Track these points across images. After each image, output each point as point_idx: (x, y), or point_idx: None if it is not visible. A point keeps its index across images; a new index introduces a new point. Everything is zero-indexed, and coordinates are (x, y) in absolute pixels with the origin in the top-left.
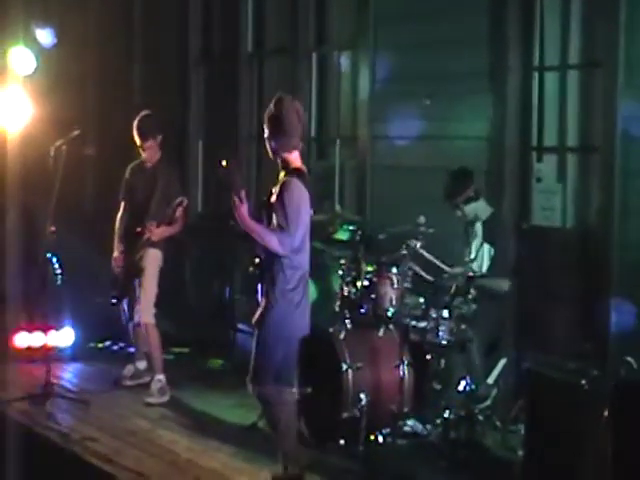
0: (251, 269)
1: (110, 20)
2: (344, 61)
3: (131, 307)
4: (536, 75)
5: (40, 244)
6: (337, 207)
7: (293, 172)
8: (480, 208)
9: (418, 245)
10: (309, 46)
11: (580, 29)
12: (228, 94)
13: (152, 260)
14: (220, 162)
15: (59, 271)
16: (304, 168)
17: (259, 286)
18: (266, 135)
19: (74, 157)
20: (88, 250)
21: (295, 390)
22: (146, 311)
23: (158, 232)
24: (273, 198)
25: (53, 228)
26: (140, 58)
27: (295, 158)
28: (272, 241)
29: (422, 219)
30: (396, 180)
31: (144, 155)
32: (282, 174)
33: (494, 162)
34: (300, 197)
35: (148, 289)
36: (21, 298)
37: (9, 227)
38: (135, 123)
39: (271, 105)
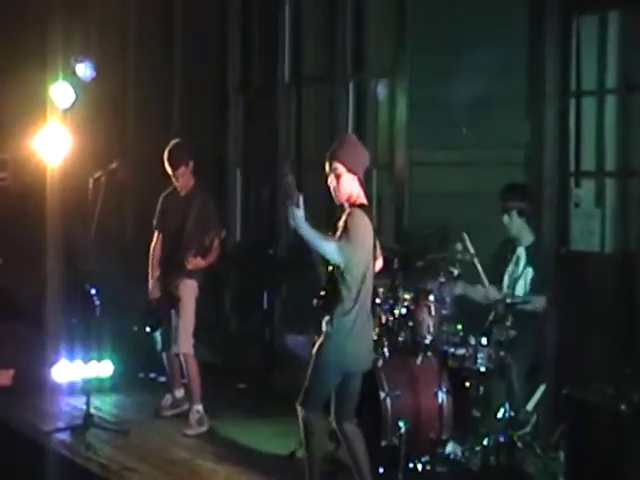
0: (315, 301)
1: (149, 52)
2: (381, 88)
3: (166, 337)
4: (573, 100)
5: (80, 275)
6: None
7: (359, 206)
8: (525, 230)
9: (455, 272)
10: (346, 74)
11: (617, 53)
12: (266, 123)
13: (188, 290)
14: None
15: (98, 302)
16: (366, 202)
17: (321, 317)
18: (333, 186)
19: (113, 188)
20: (128, 281)
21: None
22: (184, 341)
23: (194, 262)
24: (338, 230)
25: (92, 259)
26: (179, 89)
27: (360, 196)
28: (329, 247)
29: (459, 246)
30: (434, 207)
31: (177, 183)
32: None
33: (532, 187)
34: (365, 228)
35: (186, 319)
36: (61, 329)
37: (50, 259)
38: (166, 152)
39: (331, 153)
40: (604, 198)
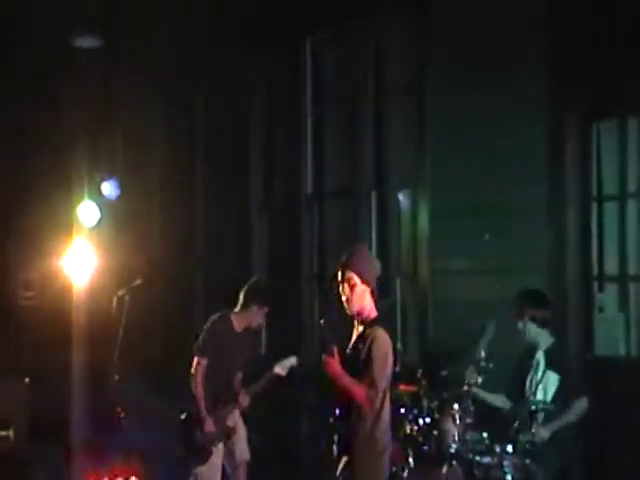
0: (331, 419)
1: (173, 171)
2: (403, 199)
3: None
4: (595, 205)
5: (105, 392)
6: (399, 347)
7: (374, 321)
8: (542, 335)
9: (479, 380)
10: (368, 186)
11: (637, 158)
12: (290, 237)
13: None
14: (320, 321)
15: (126, 420)
16: (378, 314)
17: (337, 437)
18: (346, 296)
19: (139, 306)
20: (156, 398)
21: None
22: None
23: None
24: (362, 352)
25: (117, 377)
26: (202, 206)
27: (372, 309)
28: (361, 396)
29: (482, 354)
30: (458, 315)
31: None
32: (360, 326)
33: (556, 292)
34: (387, 348)
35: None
36: (88, 446)
37: (75, 376)
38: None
39: (341, 266)
40: (628, 302)
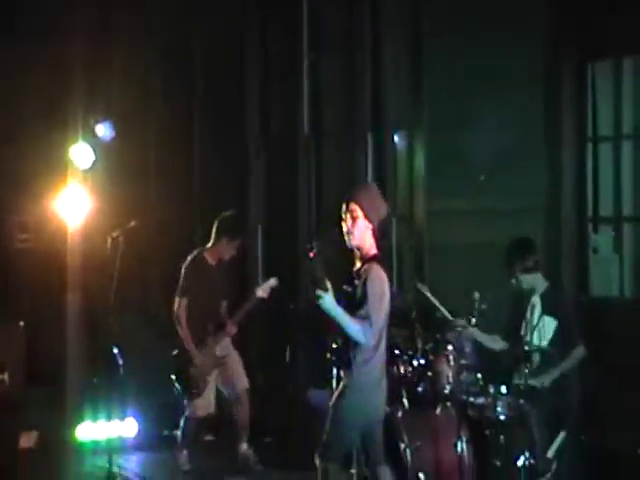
0: (328, 355)
1: (170, 114)
2: (399, 140)
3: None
4: (590, 146)
5: (101, 335)
6: (394, 289)
7: (372, 259)
8: (537, 280)
9: (474, 321)
10: (365, 127)
11: (632, 99)
12: (287, 176)
13: (230, 344)
14: (307, 254)
15: (121, 361)
16: (380, 253)
17: (335, 370)
18: (346, 220)
19: (136, 248)
20: (152, 340)
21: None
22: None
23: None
24: (358, 289)
25: (111, 318)
26: (200, 148)
27: (372, 246)
28: (357, 332)
29: (477, 295)
30: (453, 256)
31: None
32: (358, 262)
33: (551, 234)
34: (382, 284)
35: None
36: (83, 390)
37: (70, 319)
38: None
39: (348, 197)
40: (622, 243)
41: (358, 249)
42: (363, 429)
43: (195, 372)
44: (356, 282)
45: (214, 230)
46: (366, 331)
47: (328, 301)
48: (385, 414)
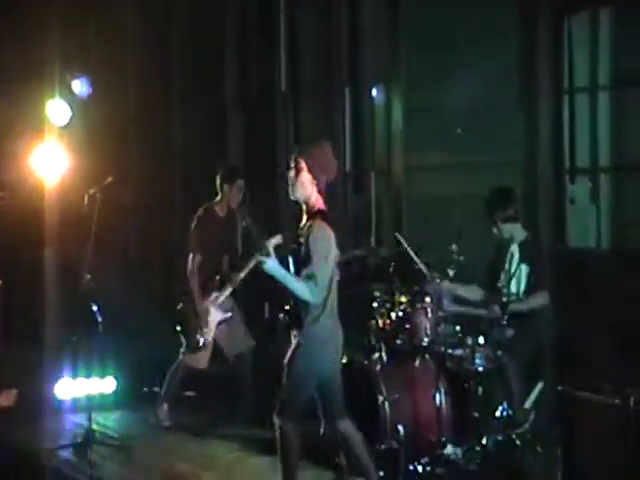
0: (281, 315)
1: (148, 69)
2: (377, 94)
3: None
4: (567, 98)
5: (79, 293)
6: (372, 241)
7: (317, 215)
8: (517, 229)
9: (451, 273)
10: (342, 82)
11: (609, 50)
12: (265, 134)
13: (234, 303)
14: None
15: (100, 318)
16: (326, 209)
17: (290, 328)
18: (291, 179)
19: (114, 206)
20: (131, 297)
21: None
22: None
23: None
24: (302, 247)
25: (89, 276)
26: (178, 106)
27: (317, 201)
28: (302, 291)
29: (454, 247)
30: (431, 210)
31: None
32: (305, 217)
33: (528, 186)
34: (326, 241)
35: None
36: (62, 347)
37: (48, 277)
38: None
39: (296, 150)
40: (599, 194)
41: (305, 204)
42: (319, 383)
43: (199, 325)
44: (301, 240)
45: (217, 185)
46: (312, 289)
47: (271, 265)
48: (363, 367)
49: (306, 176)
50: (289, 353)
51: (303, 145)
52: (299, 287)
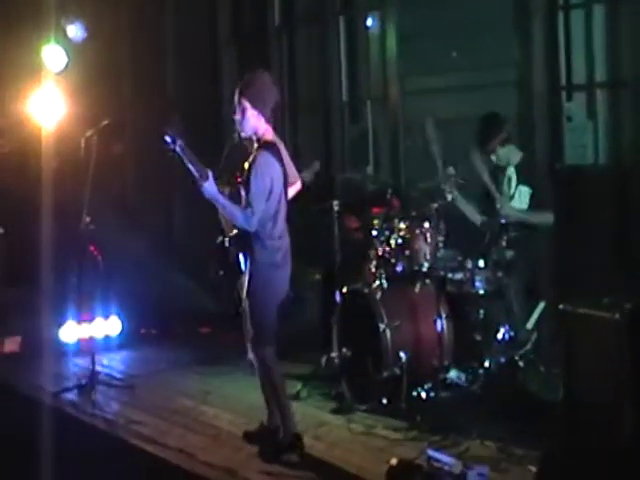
0: (227, 240)
1: (142, 12)
2: (371, 22)
3: None
4: (561, 13)
5: (80, 235)
6: (369, 169)
7: (264, 146)
8: (512, 152)
9: (449, 197)
10: (336, 11)
11: None
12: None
13: None
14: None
15: (102, 261)
16: (275, 140)
17: (241, 256)
18: (237, 112)
19: (111, 150)
20: (132, 240)
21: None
22: None
23: None
24: (244, 175)
25: (88, 219)
26: (172, 47)
27: (267, 131)
28: (238, 218)
29: (451, 170)
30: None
31: None
32: (255, 146)
33: (524, 105)
34: (268, 171)
35: None
36: (64, 290)
37: (47, 222)
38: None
39: (240, 82)
40: (596, 110)
41: (255, 137)
42: (273, 309)
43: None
44: (245, 165)
45: None
46: (248, 218)
47: (209, 189)
48: (363, 295)
49: (251, 112)
50: (245, 284)
51: (241, 83)
52: (237, 215)
